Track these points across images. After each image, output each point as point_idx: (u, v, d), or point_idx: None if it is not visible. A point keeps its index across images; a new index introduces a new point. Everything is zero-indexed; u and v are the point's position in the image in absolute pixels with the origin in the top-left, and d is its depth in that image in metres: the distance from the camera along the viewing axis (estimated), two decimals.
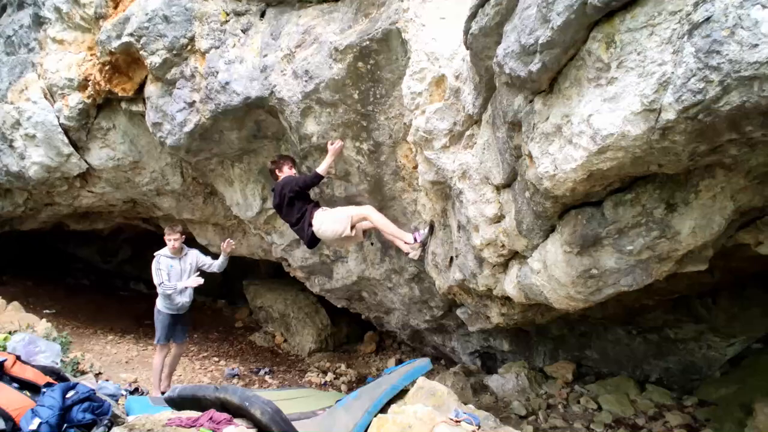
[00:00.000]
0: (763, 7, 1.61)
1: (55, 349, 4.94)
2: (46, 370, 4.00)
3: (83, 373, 5.67)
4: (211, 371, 7.26)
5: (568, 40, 2.22)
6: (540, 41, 2.30)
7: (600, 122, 2.21)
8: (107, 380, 5.79)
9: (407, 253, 4.88)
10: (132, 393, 5.74)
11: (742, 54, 1.67)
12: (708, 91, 1.80)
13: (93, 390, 3.63)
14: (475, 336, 6.62)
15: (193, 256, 5.91)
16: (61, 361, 5.16)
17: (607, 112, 2.19)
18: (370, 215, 4.72)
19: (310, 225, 4.72)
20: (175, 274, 5.68)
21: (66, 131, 6.78)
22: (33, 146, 6.95)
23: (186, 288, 5.66)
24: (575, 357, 6.26)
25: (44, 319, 6.62)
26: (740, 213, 2.81)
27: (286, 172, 4.98)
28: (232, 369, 7.31)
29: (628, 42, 2.07)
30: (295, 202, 4.79)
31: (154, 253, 5.73)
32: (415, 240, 4.73)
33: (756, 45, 1.65)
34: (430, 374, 5.02)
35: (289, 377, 7.51)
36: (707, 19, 1.75)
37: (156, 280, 5.56)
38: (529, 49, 2.42)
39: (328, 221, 4.69)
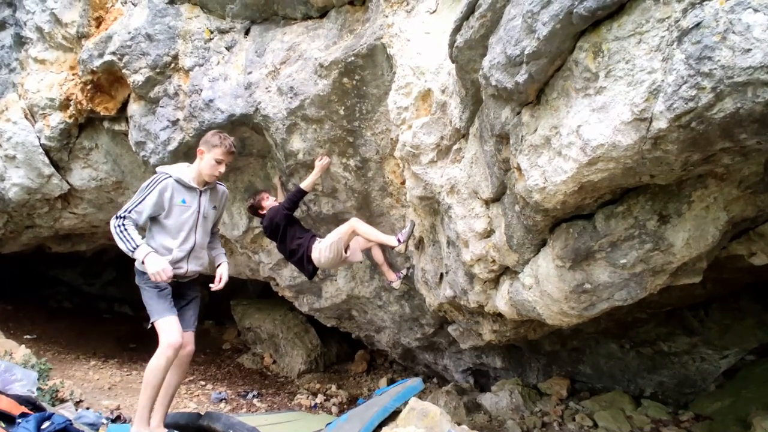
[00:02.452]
0: (755, 11, 1.57)
1: (31, 377, 4.74)
2: (21, 400, 3.83)
3: (63, 401, 5.43)
4: (197, 396, 7.04)
5: (555, 50, 2.18)
6: (526, 52, 2.26)
7: (590, 133, 2.16)
8: (88, 408, 5.57)
9: (391, 282, 5.05)
10: (114, 421, 5.51)
11: (735, 59, 1.63)
12: (700, 99, 1.75)
13: (70, 420, 3.47)
14: (468, 353, 6.51)
15: (224, 195, 3.68)
16: (39, 389, 4.95)
17: (597, 122, 2.14)
18: (356, 226, 4.71)
19: (310, 260, 4.70)
20: (181, 214, 3.29)
21: (47, 152, 6.64)
22: (13, 167, 6.79)
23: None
24: (569, 372, 6.17)
25: (23, 345, 6.39)
26: (733, 224, 2.77)
27: (268, 203, 4.91)
28: (219, 393, 7.10)
29: (615, 51, 2.02)
30: (288, 230, 4.74)
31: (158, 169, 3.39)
32: (399, 241, 4.69)
33: (749, 50, 1.61)
34: (422, 393, 4.92)
35: (278, 400, 7.31)
36: (697, 25, 1.71)
37: (123, 217, 3.11)
38: (515, 60, 2.38)
39: (324, 251, 4.69)
